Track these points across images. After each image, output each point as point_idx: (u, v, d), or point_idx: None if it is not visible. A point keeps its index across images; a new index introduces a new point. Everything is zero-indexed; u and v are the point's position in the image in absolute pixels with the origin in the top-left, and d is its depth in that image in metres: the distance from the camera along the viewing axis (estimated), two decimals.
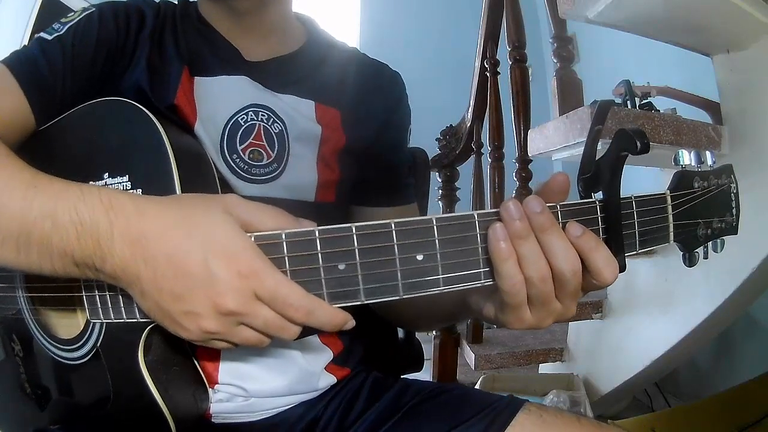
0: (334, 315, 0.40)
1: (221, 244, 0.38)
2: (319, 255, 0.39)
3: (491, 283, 0.41)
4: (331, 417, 0.63)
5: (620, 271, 0.42)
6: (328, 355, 0.66)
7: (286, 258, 0.40)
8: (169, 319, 0.40)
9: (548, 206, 0.41)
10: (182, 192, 0.47)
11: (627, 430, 1.23)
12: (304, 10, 0.73)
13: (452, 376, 1.87)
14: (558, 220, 0.41)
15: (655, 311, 1.49)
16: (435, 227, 0.40)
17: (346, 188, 0.67)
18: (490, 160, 1.79)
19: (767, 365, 1.47)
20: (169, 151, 0.48)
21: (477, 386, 1.73)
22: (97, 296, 0.48)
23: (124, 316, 0.47)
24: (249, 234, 0.40)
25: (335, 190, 0.65)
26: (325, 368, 0.66)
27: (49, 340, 0.57)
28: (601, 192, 0.43)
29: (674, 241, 0.47)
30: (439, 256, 0.40)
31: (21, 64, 0.54)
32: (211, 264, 0.38)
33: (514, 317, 0.43)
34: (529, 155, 1.65)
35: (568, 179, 0.43)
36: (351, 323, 0.41)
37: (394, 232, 0.39)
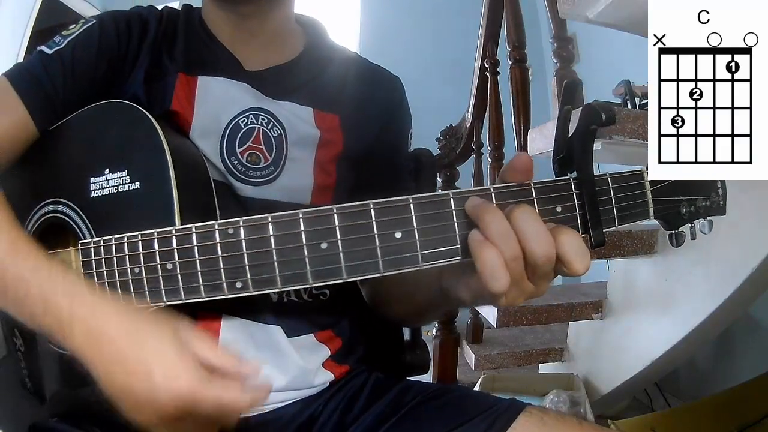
0: (262, 391, 0.44)
1: (166, 362, 0.41)
2: (302, 234, 0.42)
3: (470, 259, 0.42)
4: (330, 415, 0.64)
5: (599, 246, 0.43)
6: (325, 352, 0.66)
7: (272, 238, 0.42)
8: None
9: (522, 184, 0.42)
10: (177, 187, 0.49)
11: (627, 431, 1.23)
12: (304, 11, 0.73)
13: (452, 376, 1.87)
14: (532, 197, 0.42)
15: (655, 311, 1.48)
16: (411, 205, 0.41)
17: (343, 193, 0.67)
18: (490, 160, 1.79)
19: (767, 365, 1.46)
20: (165, 147, 0.50)
21: (477, 386, 1.73)
22: (97, 284, 0.49)
23: None
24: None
25: (332, 194, 0.66)
26: (323, 365, 0.66)
27: None
28: (575, 170, 0.44)
29: (656, 217, 0.47)
30: (416, 233, 0.41)
31: (22, 79, 0.57)
32: (155, 378, 0.40)
33: (490, 297, 0.44)
34: (529, 155, 1.65)
35: (531, 159, 0.43)
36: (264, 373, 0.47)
37: (372, 210, 0.41)
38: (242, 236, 0.43)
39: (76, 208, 0.55)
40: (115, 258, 0.47)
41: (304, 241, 0.41)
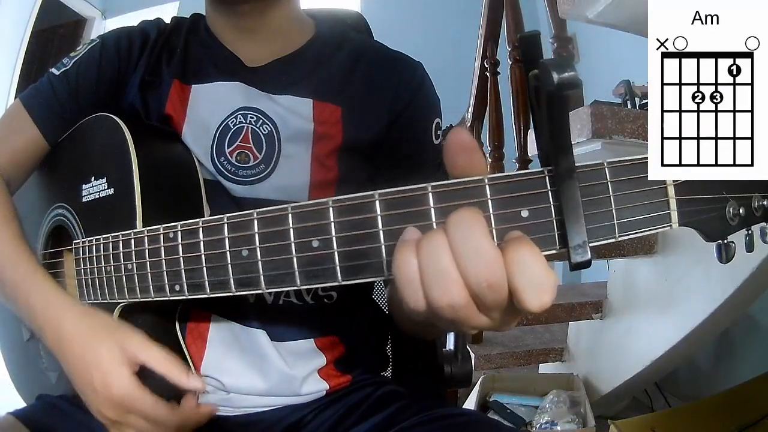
0: (198, 414, 0.51)
1: (102, 372, 0.48)
2: (226, 240, 0.41)
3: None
4: (320, 426, 0.61)
5: (583, 267, 0.32)
6: (320, 360, 0.63)
7: (201, 243, 0.42)
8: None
9: (473, 180, 0.32)
10: (142, 192, 0.53)
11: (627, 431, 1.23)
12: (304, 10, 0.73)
13: None
14: (485, 197, 0.33)
15: (655, 311, 1.49)
16: (331, 209, 0.36)
17: (351, 188, 0.63)
18: (490, 160, 1.80)
19: (767, 365, 1.47)
20: (132, 155, 0.54)
21: (477, 386, 1.73)
22: (83, 279, 0.55)
23: (100, 298, 0.53)
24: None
25: (335, 190, 0.63)
26: (318, 373, 0.63)
27: None
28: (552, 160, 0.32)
29: (683, 224, 0.34)
30: (335, 242, 0.36)
31: (33, 99, 0.63)
32: (95, 383, 0.48)
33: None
34: (529, 155, 1.65)
35: (469, 138, 0.33)
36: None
37: (290, 216, 0.37)
38: (179, 240, 0.44)
39: (72, 211, 0.60)
40: (94, 257, 0.53)
41: (227, 248, 0.40)
